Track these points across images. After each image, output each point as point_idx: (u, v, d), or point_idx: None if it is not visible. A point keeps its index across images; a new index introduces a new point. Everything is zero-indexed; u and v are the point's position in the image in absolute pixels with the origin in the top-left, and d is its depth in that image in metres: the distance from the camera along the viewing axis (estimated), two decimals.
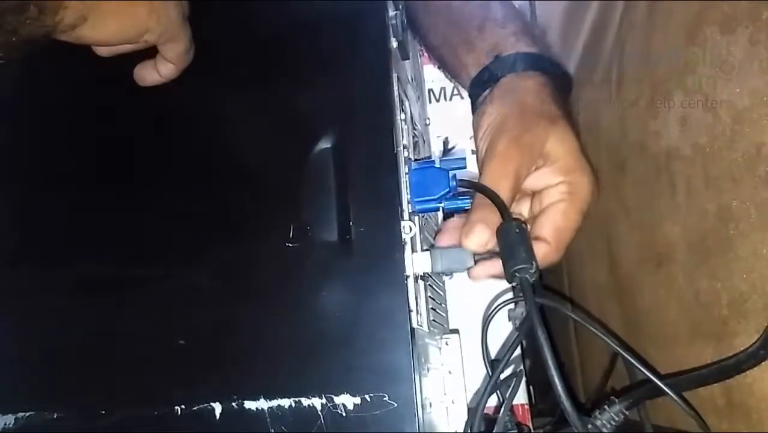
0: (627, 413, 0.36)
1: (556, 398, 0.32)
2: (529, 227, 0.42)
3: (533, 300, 0.36)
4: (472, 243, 0.39)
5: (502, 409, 0.36)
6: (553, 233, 0.41)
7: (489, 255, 0.40)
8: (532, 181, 0.42)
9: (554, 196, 0.42)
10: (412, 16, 0.53)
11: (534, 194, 0.44)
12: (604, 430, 0.36)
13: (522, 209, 0.45)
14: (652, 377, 0.35)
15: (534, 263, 0.38)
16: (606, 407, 0.36)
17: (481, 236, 0.38)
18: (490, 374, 0.38)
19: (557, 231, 0.41)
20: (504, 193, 0.40)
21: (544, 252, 0.40)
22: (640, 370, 0.36)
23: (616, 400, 0.36)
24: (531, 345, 0.51)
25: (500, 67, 0.45)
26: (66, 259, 0.41)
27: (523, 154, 0.41)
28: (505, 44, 0.46)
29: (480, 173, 0.42)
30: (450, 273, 0.42)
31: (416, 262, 0.38)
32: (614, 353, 0.46)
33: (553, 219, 0.41)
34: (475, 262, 0.40)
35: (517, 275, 0.37)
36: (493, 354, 0.42)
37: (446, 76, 0.58)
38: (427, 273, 0.40)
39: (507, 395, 0.38)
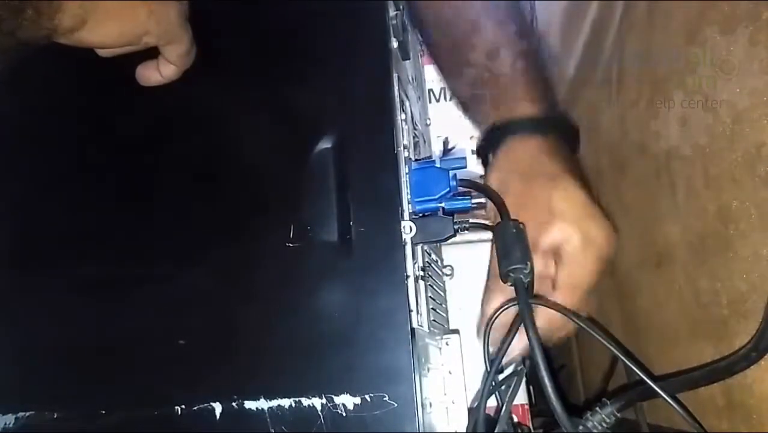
0: (619, 414, 0.36)
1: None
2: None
3: (526, 300, 0.36)
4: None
5: (503, 409, 0.36)
6: (565, 279, 0.40)
7: (470, 226, 0.41)
8: (547, 239, 0.41)
9: (569, 248, 0.41)
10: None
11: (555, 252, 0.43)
12: (595, 431, 0.35)
13: (550, 271, 0.43)
14: (644, 378, 0.35)
15: (529, 263, 0.38)
16: (598, 408, 0.36)
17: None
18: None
19: (570, 277, 0.40)
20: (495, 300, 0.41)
21: (559, 300, 0.40)
22: (633, 370, 0.36)
23: (608, 401, 0.36)
24: None
25: (499, 134, 0.46)
26: (66, 259, 0.41)
27: (527, 214, 0.41)
28: (506, 107, 0.46)
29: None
30: (432, 243, 0.42)
31: None
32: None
33: (568, 267, 0.41)
34: (456, 231, 0.40)
35: (511, 274, 0.38)
36: None
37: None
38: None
39: (507, 395, 0.38)
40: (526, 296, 0.37)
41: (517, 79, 0.47)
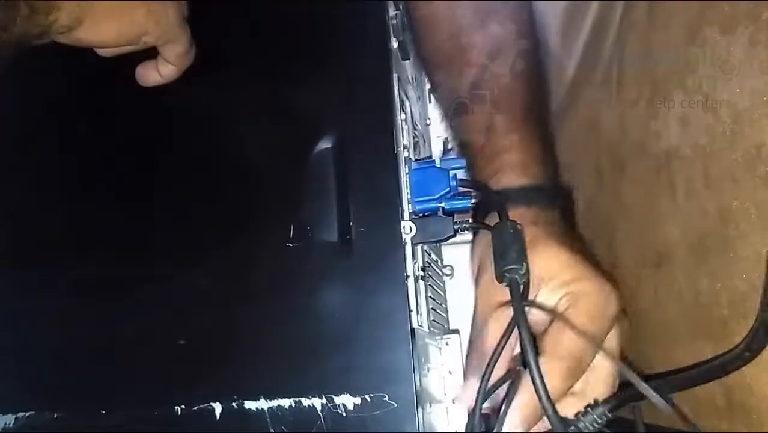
0: (611, 415, 0.36)
1: None
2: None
3: (520, 302, 0.36)
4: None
5: (501, 411, 0.36)
6: (553, 343, 0.37)
7: (470, 226, 0.41)
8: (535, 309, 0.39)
9: (560, 310, 0.38)
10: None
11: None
12: (587, 431, 0.35)
13: None
14: (632, 380, 0.34)
15: (524, 264, 0.38)
16: (589, 408, 0.36)
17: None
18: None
19: (556, 341, 0.37)
20: (493, 331, 0.38)
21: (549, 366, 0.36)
22: (624, 371, 0.36)
23: (599, 402, 0.36)
24: None
25: (480, 208, 0.44)
26: (66, 259, 0.41)
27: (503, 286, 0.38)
28: (494, 178, 0.44)
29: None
30: (432, 242, 0.42)
31: None
32: None
33: (557, 330, 0.37)
34: (456, 231, 0.39)
35: (506, 275, 0.37)
36: None
37: None
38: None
39: (506, 395, 0.38)
40: (520, 297, 0.36)
41: (513, 105, 0.45)
